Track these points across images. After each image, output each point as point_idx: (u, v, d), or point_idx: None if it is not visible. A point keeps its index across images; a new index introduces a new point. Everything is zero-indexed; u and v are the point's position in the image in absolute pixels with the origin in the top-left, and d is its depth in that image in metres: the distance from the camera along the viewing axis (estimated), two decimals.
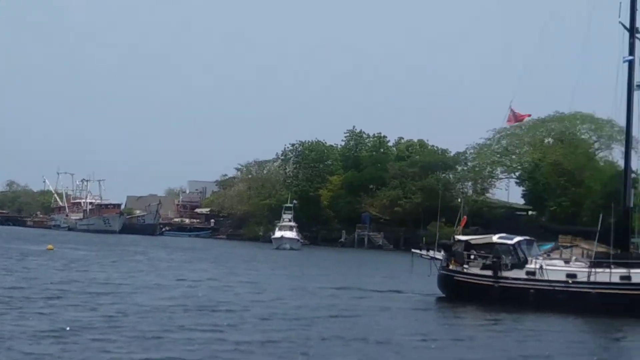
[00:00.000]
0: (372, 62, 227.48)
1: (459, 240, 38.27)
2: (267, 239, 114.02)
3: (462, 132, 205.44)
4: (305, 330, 25.35)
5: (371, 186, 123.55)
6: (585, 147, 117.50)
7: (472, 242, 38.29)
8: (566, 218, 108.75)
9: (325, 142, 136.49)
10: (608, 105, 36.88)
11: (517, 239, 37.34)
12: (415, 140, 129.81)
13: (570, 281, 34.46)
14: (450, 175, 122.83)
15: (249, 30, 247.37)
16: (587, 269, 34.54)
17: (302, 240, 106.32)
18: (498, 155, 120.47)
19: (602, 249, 37.05)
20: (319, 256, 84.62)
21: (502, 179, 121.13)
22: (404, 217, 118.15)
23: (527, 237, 38.83)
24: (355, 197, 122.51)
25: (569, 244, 57.55)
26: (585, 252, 76.12)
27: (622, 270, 33.87)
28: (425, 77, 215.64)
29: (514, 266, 35.97)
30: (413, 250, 41.87)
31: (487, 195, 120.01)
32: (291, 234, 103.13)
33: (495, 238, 37.47)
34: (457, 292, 37.31)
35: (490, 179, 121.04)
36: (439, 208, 51.24)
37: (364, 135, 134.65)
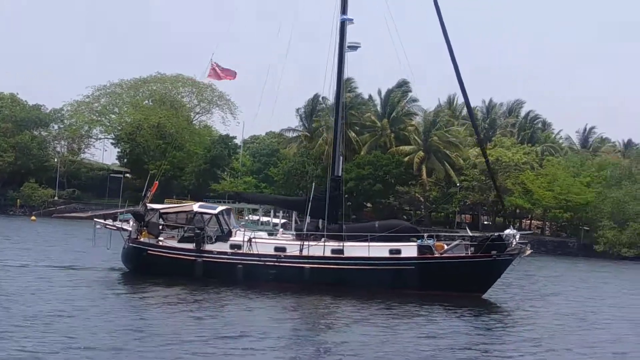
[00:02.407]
0: None
1: (152, 209, 33.88)
2: None
3: (60, 88, 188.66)
4: None
5: None
6: (186, 111, 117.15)
7: (168, 211, 34.25)
8: (166, 181, 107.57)
9: None
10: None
11: (220, 208, 34.20)
12: (7, 94, 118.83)
13: (281, 255, 32.26)
14: (44, 134, 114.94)
15: None
16: (298, 243, 32.54)
17: None
18: (97, 114, 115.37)
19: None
20: None
21: (100, 139, 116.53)
22: None
23: (227, 207, 35.87)
24: None
25: None
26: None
27: (335, 244, 32.45)
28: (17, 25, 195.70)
29: (218, 239, 32.85)
30: (96, 219, 36.53)
31: (85, 156, 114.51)
32: None
33: (196, 207, 33.94)
34: (149, 267, 32.97)
35: (87, 139, 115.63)
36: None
37: None
